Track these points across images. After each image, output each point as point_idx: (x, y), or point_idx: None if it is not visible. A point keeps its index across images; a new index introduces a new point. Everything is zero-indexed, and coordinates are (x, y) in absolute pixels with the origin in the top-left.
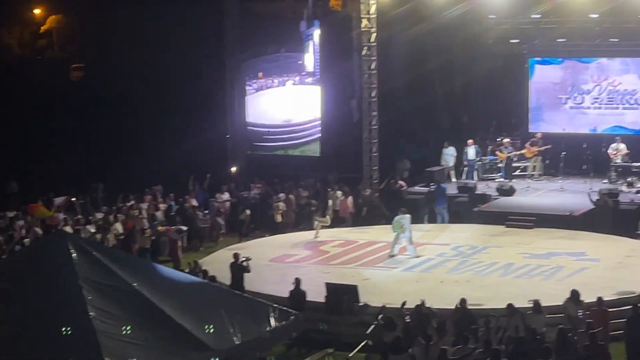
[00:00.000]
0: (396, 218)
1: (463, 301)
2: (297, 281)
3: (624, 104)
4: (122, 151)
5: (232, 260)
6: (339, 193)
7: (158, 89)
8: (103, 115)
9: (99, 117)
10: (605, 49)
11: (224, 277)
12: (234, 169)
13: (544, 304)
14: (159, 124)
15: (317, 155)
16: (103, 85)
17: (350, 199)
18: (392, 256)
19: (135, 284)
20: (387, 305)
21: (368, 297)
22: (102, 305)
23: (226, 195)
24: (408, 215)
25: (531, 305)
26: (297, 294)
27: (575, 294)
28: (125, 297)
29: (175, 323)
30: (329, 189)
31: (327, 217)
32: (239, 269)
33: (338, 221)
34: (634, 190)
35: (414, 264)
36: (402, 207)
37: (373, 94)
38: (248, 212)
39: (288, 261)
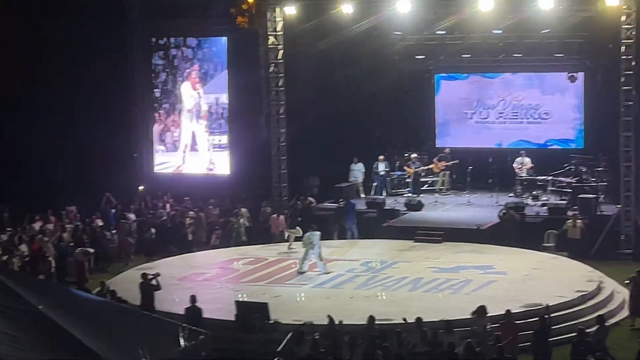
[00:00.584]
0: (306, 235)
1: (372, 318)
2: (193, 298)
3: (527, 119)
4: (27, 169)
5: (141, 280)
6: (268, 209)
7: (64, 104)
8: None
9: None
10: (509, 64)
11: (134, 297)
12: (141, 188)
13: (452, 317)
14: (64, 140)
15: (227, 173)
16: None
17: (282, 217)
18: (302, 273)
19: (40, 307)
20: (299, 322)
21: (278, 315)
22: (6, 329)
23: (134, 215)
24: (318, 232)
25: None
26: (193, 311)
27: (481, 308)
28: (30, 320)
29: (83, 346)
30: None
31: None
32: (148, 287)
33: (268, 238)
34: (539, 203)
35: (324, 280)
36: (312, 223)
37: (281, 111)
38: (153, 230)
39: (198, 280)
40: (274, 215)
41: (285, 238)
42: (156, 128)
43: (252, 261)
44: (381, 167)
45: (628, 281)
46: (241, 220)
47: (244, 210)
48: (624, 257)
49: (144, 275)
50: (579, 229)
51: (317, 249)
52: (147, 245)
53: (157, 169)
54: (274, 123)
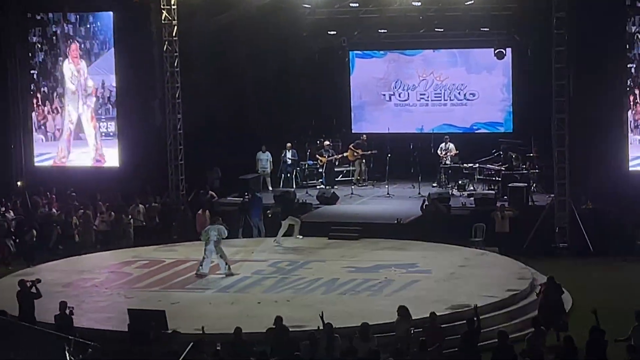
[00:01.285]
0: (205, 228)
1: (279, 319)
2: (62, 305)
3: (451, 100)
4: None
5: (19, 288)
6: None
7: None
8: None
9: None
10: (430, 40)
11: (13, 307)
12: (20, 183)
13: (372, 321)
14: None
15: (116, 165)
16: None
17: (207, 213)
18: (202, 275)
19: None
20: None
21: (178, 323)
22: None
23: (12, 214)
24: (218, 226)
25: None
26: (62, 319)
27: (404, 311)
28: None
29: None
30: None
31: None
32: (27, 296)
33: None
34: (465, 194)
35: (228, 284)
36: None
37: (177, 95)
38: (34, 232)
39: (85, 286)
40: (199, 212)
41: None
42: (35, 115)
43: (147, 264)
44: (288, 157)
45: (538, 291)
46: (136, 218)
47: (141, 207)
48: (559, 251)
49: (21, 283)
50: (505, 222)
51: (212, 245)
52: (27, 248)
53: (37, 161)
54: (169, 108)
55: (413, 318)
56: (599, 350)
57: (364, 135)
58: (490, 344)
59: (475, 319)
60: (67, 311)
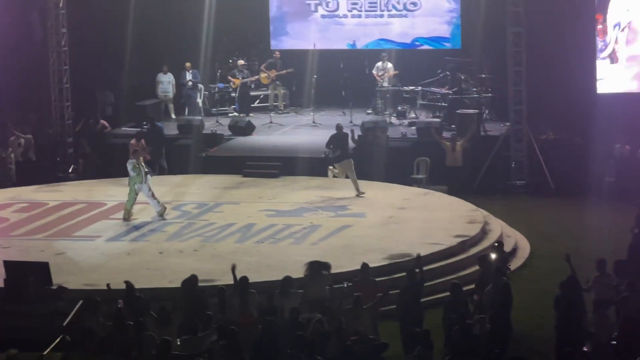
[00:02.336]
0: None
1: (194, 277)
2: None
3: (389, 10)
4: None
5: None
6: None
7: None
8: None
9: None
10: None
11: None
12: None
13: (294, 274)
14: None
15: None
16: None
17: (143, 142)
18: (126, 219)
19: None
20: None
21: (64, 278)
22: None
23: None
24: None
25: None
26: None
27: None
28: None
29: None
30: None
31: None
32: None
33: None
34: (406, 122)
35: (123, 231)
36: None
37: (61, 4)
38: None
39: None
40: (132, 142)
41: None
42: None
43: (27, 207)
44: (188, 78)
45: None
46: (17, 152)
47: (22, 139)
48: (516, 190)
49: None
50: (458, 154)
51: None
52: None
53: None
54: (52, 20)
55: (344, 270)
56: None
57: (277, 53)
58: (436, 299)
59: (417, 270)
60: None
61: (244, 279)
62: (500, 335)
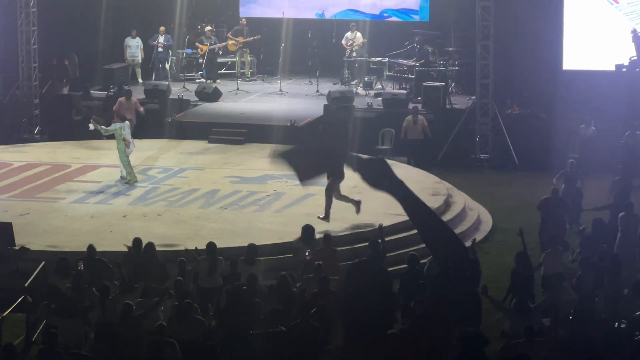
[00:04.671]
0: (117, 127)
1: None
2: None
3: None
4: None
5: None
6: None
7: None
8: None
9: None
10: None
11: None
12: None
13: (258, 242)
14: None
15: None
16: None
17: (133, 100)
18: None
19: None
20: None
21: (27, 239)
22: None
23: None
24: (127, 123)
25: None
26: None
27: (308, 231)
28: None
29: None
30: None
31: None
32: None
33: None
34: (372, 93)
35: (87, 194)
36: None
37: None
38: None
39: None
40: (121, 99)
41: None
42: None
43: None
44: (161, 41)
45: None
46: None
47: None
48: (480, 163)
49: None
50: (420, 126)
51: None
52: None
53: None
54: None
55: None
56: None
57: (243, 19)
58: (398, 270)
59: (379, 240)
60: None
61: (212, 244)
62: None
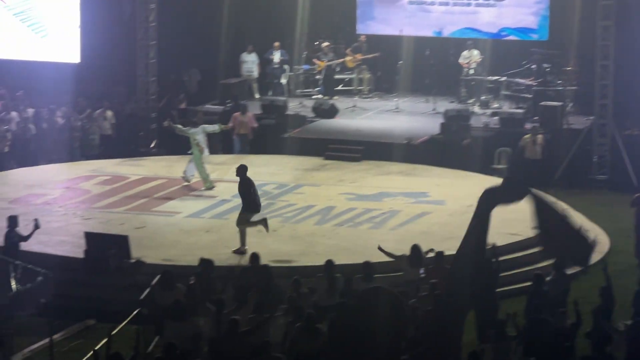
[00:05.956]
0: (191, 131)
1: (255, 257)
2: (12, 221)
3: (476, 0)
4: None
5: None
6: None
7: None
8: None
9: None
10: None
11: None
12: None
13: (373, 259)
14: None
15: (77, 62)
16: None
17: (249, 114)
18: (187, 182)
19: None
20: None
21: (143, 252)
22: None
23: None
24: (201, 128)
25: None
26: (11, 238)
27: (415, 251)
28: None
29: None
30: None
31: None
32: None
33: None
34: (488, 111)
35: (203, 208)
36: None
37: None
38: None
39: (36, 203)
40: (236, 114)
41: None
42: None
43: (109, 180)
44: (277, 58)
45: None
46: (102, 125)
47: (109, 112)
48: (597, 184)
49: None
50: (539, 146)
51: (205, 151)
52: None
53: None
54: None
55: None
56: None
57: (363, 36)
58: (510, 290)
59: (493, 260)
60: (34, 225)
61: (330, 262)
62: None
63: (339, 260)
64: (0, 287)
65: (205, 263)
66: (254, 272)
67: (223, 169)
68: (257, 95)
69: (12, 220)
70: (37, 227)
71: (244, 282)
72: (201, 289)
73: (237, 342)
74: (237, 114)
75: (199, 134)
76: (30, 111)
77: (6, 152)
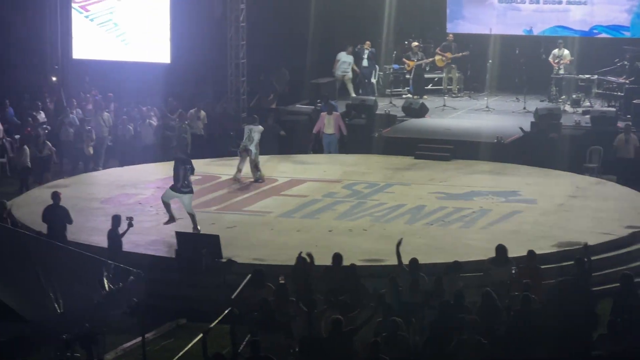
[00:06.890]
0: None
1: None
2: (115, 220)
3: None
4: None
5: (52, 202)
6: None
7: None
8: None
9: None
10: None
11: (39, 223)
12: (55, 78)
13: (463, 258)
14: None
15: (167, 62)
16: None
17: (335, 114)
18: (236, 180)
19: None
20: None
21: (233, 251)
22: None
23: (43, 115)
24: (260, 127)
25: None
26: (115, 237)
27: (501, 251)
28: None
29: None
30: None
31: None
32: (58, 211)
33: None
34: (580, 110)
35: (294, 208)
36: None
37: None
38: (72, 131)
39: (128, 203)
40: (323, 113)
41: None
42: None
43: (199, 180)
44: (366, 57)
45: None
46: (195, 125)
47: (202, 113)
48: None
49: (54, 195)
50: (632, 145)
51: (254, 148)
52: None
53: (78, 53)
54: None
55: (511, 256)
56: None
57: (451, 35)
58: (602, 290)
59: (585, 259)
60: (127, 222)
61: (414, 260)
62: None
63: (429, 259)
64: (94, 286)
65: (337, 259)
66: (340, 272)
67: (314, 169)
68: (353, 95)
69: (116, 220)
70: (130, 225)
71: (332, 283)
72: (304, 289)
73: (341, 341)
74: (324, 113)
75: (254, 132)
76: (123, 112)
77: (91, 154)
